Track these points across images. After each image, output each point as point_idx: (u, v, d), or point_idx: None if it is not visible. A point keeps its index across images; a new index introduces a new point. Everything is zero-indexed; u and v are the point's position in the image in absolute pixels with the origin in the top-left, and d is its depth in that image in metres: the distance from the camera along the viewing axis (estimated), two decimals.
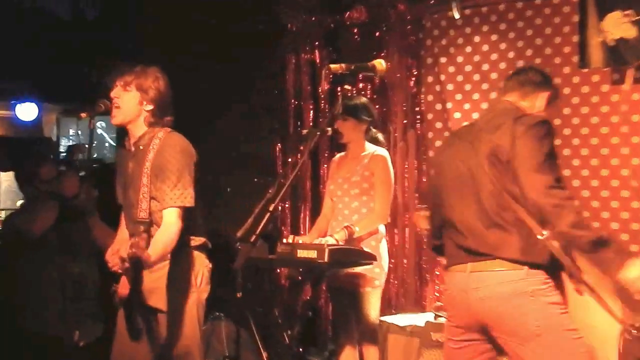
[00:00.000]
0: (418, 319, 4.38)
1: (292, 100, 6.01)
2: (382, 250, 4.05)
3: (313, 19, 5.86)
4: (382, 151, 4.11)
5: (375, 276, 3.96)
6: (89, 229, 4.21)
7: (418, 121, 5.42)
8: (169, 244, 2.97)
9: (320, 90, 5.84)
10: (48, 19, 7.73)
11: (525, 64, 4.64)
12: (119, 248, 3.09)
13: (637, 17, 4.26)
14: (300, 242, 3.87)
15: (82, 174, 4.53)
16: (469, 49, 5.19)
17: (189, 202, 3.04)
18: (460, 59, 5.23)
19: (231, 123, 6.27)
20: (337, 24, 5.77)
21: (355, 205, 4.08)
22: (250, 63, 6.01)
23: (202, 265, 3.19)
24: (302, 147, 5.47)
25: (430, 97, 5.40)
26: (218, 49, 6.05)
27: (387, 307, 5.07)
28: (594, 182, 4.57)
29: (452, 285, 2.85)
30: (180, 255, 3.08)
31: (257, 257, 3.63)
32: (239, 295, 2.66)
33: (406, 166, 5.41)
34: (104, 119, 8.25)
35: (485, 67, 5.10)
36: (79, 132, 9.27)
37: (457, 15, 5.07)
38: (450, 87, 5.27)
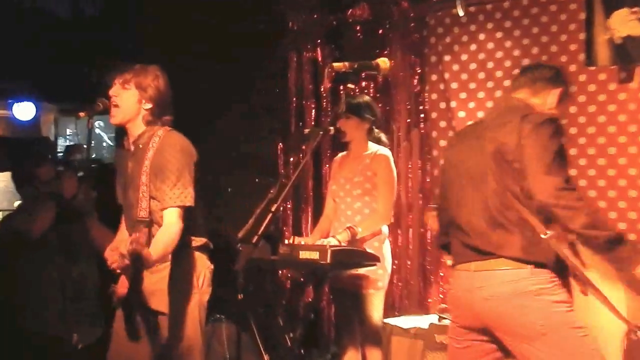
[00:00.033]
0: (422, 321, 4.37)
1: (294, 99, 6.01)
2: (385, 251, 4.05)
3: (315, 16, 5.86)
4: (385, 150, 4.11)
5: (378, 277, 3.95)
6: (87, 229, 4.22)
7: (422, 120, 5.41)
8: (170, 244, 2.97)
9: (322, 89, 5.84)
10: (48, 19, 7.74)
11: (531, 62, 4.64)
12: (118, 245, 3.08)
13: None
14: (302, 243, 3.88)
15: (80, 174, 4.53)
16: (473, 46, 5.19)
17: (189, 201, 3.04)
18: (464, 57, 5.23)
19: (231, 123, 6.29)
20: (339, 22, 5.77)
21: (358, 206, 4.07)
22: (250, 63, 6.03)
23: (203, 267, 3.18)
24: (304, 147, 5.47)
25: (434, 96, 5.40)
26: (218, 49, 6.07)
27: (391, 309, 5.07)
28: (600, 182, 4.57)
29: (457, 286, 2.85)
30: (181, 256, 3.08)
31: (258, 258, 3.63)
32: (240, 296, 2.66)
33: (410, 166, 5.40)
34: (102, 119, 8.27)
35: (490, 65, 5.10)
36: (77, 132, 9.27)
37: (461, 13, 5.07)
38: (454, 85, 5.27)
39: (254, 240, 2.34)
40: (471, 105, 5.16)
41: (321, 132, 2.81)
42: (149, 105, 3.13)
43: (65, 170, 4.45)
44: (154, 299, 3.08)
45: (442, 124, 5.33)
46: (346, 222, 4.03)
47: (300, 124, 5.96)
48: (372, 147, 4.13)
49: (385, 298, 4.11)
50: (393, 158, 4.13)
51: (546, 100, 2.90)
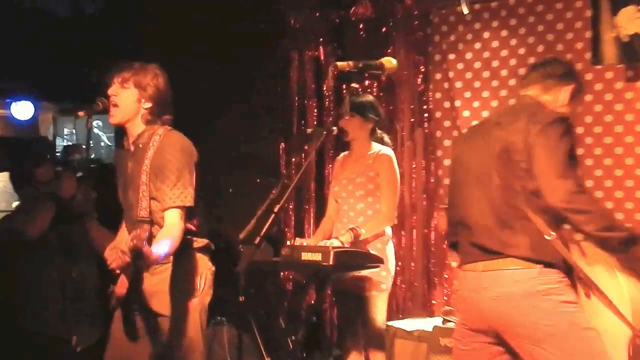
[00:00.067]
0: (426, 324, 4.37)
1: (296, 99, 6.02)
2: (389, 253, 4.05)
3: (317, 14, 5.86)
4: (387, 150, 4.11)
5: (381, 279, 3.95)
6: (86, 230, 4.23)
7: (426, 120, 5.42)
8: (172, 244, 2.95)
9: (324, 88, 5.85)
10: (48, 19, 7.77)
11: (542, 58, 4.63)
12: (118, 245, 3.08)
13: None
14: (305, 244, 3.88)
15: (79, 174, 4.54)
16: (478, 45, 5.19)
17: (189, 201, 3.04)
18: (469, 55, 5.23)
19: (231, 123, 6.32)
20: (341, 20, 5.78)
21: (361, 207, 4.08)
22: (250, 63, 6.05)
23: (205, 268, 3.18)
24: (306, 147, 5.47)
25: (438, 95, 5.39)
26: (218, 49, 6.10)
27: (394, 311, 5.08)
28: (607, 183, 4.56)
29: (464, 286, 2.84)
30: (182, 257, 3.08)
31: (260, 260, 3.64)
32: (241, 298, 2.66)
33: (414, 166, 5.40)
34: (100, 118, 8.29)
35: (495, 63, 5.09)
36: (74, 132, 9.29)
37: (465, 10, 5.07)
38: (458, 84, 5.27)
39: (257, 241, 2.34)
40: (476, 104, 5.16)
41: (324, 132, 2.80)
42: (149, 105, 3.12)
43: (64, 171, 4.46)
44: (154, 300, 3.09)
45: (447, 123, 5.33)
46: (349, 223, 4.03)
47: (303, 123, 5.97)
48: (375, 147, 4.13)
49: (389, 300, 4.11)
50: (396, 158, 4.13)
51: (557, 98, 2.86)
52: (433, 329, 4.20)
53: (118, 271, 3.10)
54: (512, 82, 4.94)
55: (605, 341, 2.63)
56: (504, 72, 5.04)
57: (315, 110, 5.93)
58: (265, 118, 6.33)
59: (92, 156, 8.18)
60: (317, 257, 3.51)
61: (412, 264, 5.35)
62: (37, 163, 4.34)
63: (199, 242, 3.18)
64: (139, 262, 2.82)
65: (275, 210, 2.42)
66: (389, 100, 5.49)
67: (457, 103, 5.26)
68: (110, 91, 3.12)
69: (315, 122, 5.87)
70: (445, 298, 5.14)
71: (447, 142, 5.30)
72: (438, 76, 5.40)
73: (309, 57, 5.95)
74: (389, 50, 5.40)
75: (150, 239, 2.92)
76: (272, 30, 5.99)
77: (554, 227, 2.61)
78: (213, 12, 6.12)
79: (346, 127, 4.06)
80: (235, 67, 6.12)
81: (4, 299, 4.23)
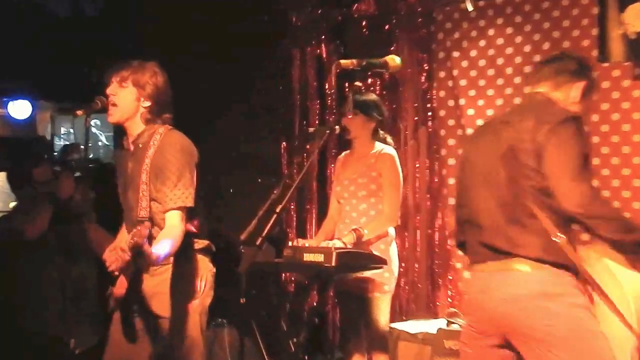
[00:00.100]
0: (430, 326, 4.37)
1: (298, 97, 6.02)
2: (392, 254, 4.05)
3: (319, 12, 5.86)
4: (389, 149, 4.11)
5: (384, 281, 3.95)
6: (85, 230, 4.25)
7: (429, 118, 5.41)
8: (172, 246, 2.96)
9: (327, 87, 5.85)
10: (47, 19, 7.79)
11: (543, 58, 4.63)
12: (117, 245, 3.08)
13: None
14: (307, 245, 3.87)
15: (77, 174, 4.55)
16: (482, 42, 5.19)
17: (190, 202, 3.05)
18: (473, 53, 5.23)
19: (231, 123, 6.36)
20: (344, 17, 5.78)
21: (363, 208, 4.08)
22: (251, 63, 6.08)
23: (205, 270, 3.19)
24: (308, 146, 5.47)
25: (442, 93, 5.39)
26: (218, 49, 6.12)
27: (398, 313, 5.07)
28: (615, 182, 4.55)
29: (472, 287, 2.82)
30: (183, 258, 3.09)
31: (262, 261, 3.63)
32: (242, 300, 2.66)
33: (417, 165, 5.40)
34: (98, 117, 8.30)
35: (500, 61, 5.09)
36: (71, 131, 9.29)
37: (470, 7, 5.06)
38: (463, 82, 5.26)
39: (258, 242, 2.34)
40: (480, 102, 5.16)
41: (327, 131, 2.80)
42: (148, 103, 3.13)
43: (62, 171, 4.47)
44: (154, 302, 3.09)
45: (451, 122, 5.33)
46: (351, 224, 4.03)
47: (304, 122, 5.97)
48: (377, 146, 4.13)
49: (392, 302, 4.11)
50: (399, 157, 4.13)
51: (569, 94, 2.83)
52: (437, 331, 4.19)
53: (117, 273, 3.10)
54: (517, 80, 4.93)
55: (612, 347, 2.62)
56: (509, 70, 5.04)
57: (318, 109, 5.94)
58: (266, 118, 6.36)
59: (90, 156, 8.20)
60: (320, 258, 3.51)
61: (416, 265, 5.35)
62: (36, 163, 4.36)
63: (200, 243, 3.18)
64: (139, 260, 2.81)
65: (277, 210, 2.42)
66: (392, 99, 5.49)
67: (462, 101, 5.26)
68: (108, 91, 3.13)
69: (317, 121, 5.88)
70: (449, 300, 5.13)
71: (451, 141, 5.30)
72: (442, 74, 5.40)
73: (311, 55, 5.96)
74: (392, 48, 5.39)
75: (150, 239, 2.92)
76: (272, 29, 6.02)
77: (562, 227, 2.59)
78: (213, 12, 6.15)
79: (348, 125, 4.06)
80: (235, 67, 6.15)
81: (4, 299, 4.25)
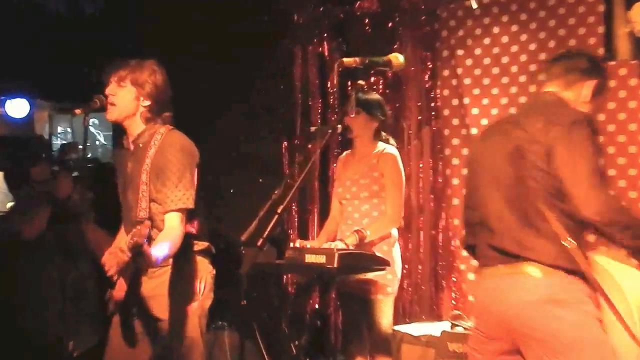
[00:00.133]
0: (433, 328, 4.36)
1: (299, 96, 6.02)
2: (395, 255, 4.05)
3: (321, 9, 5.86)
4: (391, 149, 4.11)
5: (387, 283, 3.95)
6: (83, 230, 4.25)
7: (433, 117, 5.41)
8: (171, 247, 2.96)
9: (329, 85, 5.85)
10: (47, 18, 7.82)
11: (551, 56, 4.63)
12: (116, 248, 3.08)
13: None
14: (309, 246, 3.88)
15: (75, 174, 4.55)
16: (487, 40, 5.18)
17: (190, 203, 3.05)
18: (478, 51, 5.21)
19: (231, 123, 6.39)
20: (346, 15, 5.78)
21: (366, 209, 4.08)
22: (251, 63, 6.10)
23: (205, 271, 3.19)
24: (310, 146, 5.47)
25: (446, 92, 5.39)
26: (218, 49, 6.15)
27: (401, 315, 5.07)
28: (621, 183, 4.55)
29: (481, 291, 2.80)
30: (182, 260, 3.09)
31: (263, 262, 3.63)
32: (243, 302, 2.66)
33: (421, 165, 5.39)
34: (96, 116, 8.33)
35: (505, 59, 5.08)
36: (69, 130, 9.30)
37: (474, 5, 5.06)
38: (467, 81, 5.25)
39: (259, 243, 2.33)
40: (485, 101, 5.14)
41: (329, 131, 2.80)
42: (148, 102, 3.13)
43: (60, 170, 4.48)
44: (153, 304, 3.09)
45: (455, 121, 5.32)
46: (353, 225, 4.03)
47: (306, 121, 5.97)
48: (379, 145, 4.13)
49: (395, 304, 4.11)
50: (402, 157, 4.13)
51: (580, 93, 2.81)
52: (441, 333, 4.19)
53: (116, 277, 3.09)
54: (522, 78, 4.93)
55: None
56: (514, 69, 5.03)
57: (320, 108, 5.93)
58: (266, 118, 6.38)
59: (88, 155, 8.21)
60: (321, 259, 3.51)
61: (419, 267, 5.34)
62: (33, 162, 4.37)
63: (200, 244, 3.18)
64: (139, 260, 2.80)
65: (279, 211, 2.41)
66: (395, 98, 5.49)
67: (466, 100, 5.24)
68: (107, 91, 3.13)
69: (319, 120, 5.88)
70: (453, 302, 5.13)
71: (455, 141, 5.29)
72: (446, 73, 5.39)
73: (313, 54, 5.96)
74: (395, 46, 5.39)
75: (149, 241, 2.91)
76: (273, 29, 6.04)
77: (573, 232, 2.57)
78: (213, 12, 6.18)
79: (351, 124, 4.06)
80: (235, 67, 6.17)
81: (4, 299, 4.27)
